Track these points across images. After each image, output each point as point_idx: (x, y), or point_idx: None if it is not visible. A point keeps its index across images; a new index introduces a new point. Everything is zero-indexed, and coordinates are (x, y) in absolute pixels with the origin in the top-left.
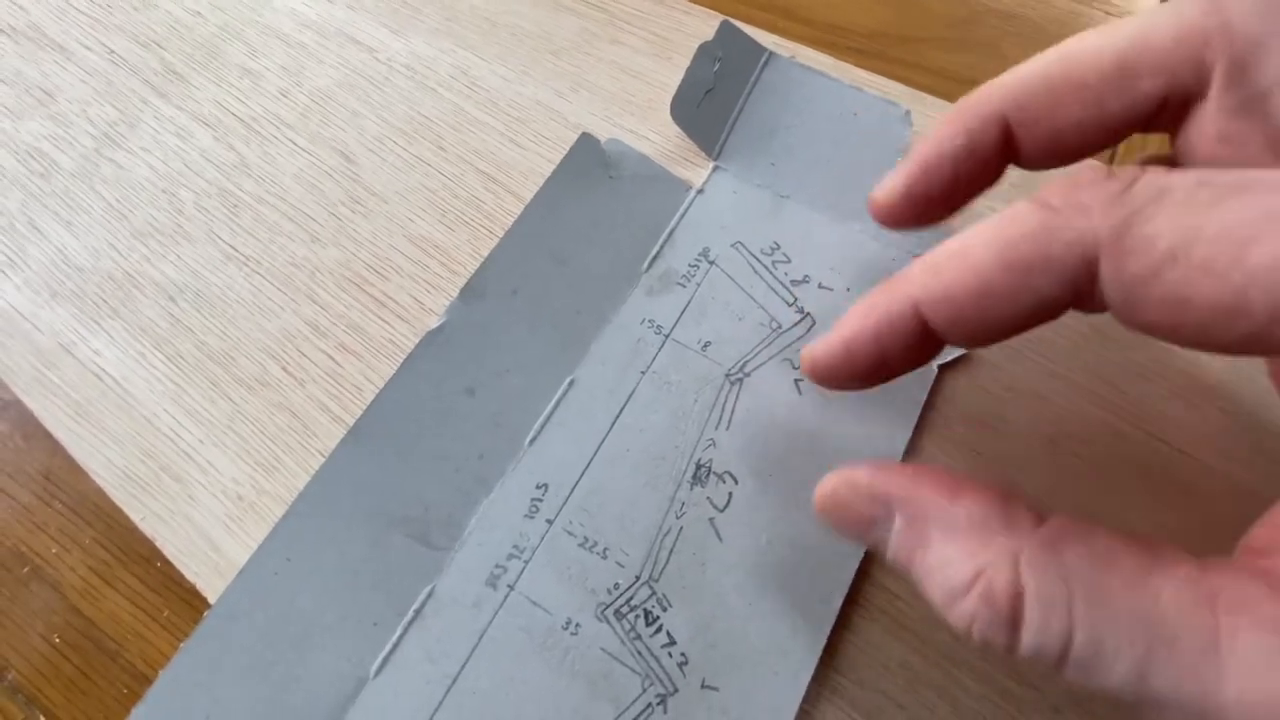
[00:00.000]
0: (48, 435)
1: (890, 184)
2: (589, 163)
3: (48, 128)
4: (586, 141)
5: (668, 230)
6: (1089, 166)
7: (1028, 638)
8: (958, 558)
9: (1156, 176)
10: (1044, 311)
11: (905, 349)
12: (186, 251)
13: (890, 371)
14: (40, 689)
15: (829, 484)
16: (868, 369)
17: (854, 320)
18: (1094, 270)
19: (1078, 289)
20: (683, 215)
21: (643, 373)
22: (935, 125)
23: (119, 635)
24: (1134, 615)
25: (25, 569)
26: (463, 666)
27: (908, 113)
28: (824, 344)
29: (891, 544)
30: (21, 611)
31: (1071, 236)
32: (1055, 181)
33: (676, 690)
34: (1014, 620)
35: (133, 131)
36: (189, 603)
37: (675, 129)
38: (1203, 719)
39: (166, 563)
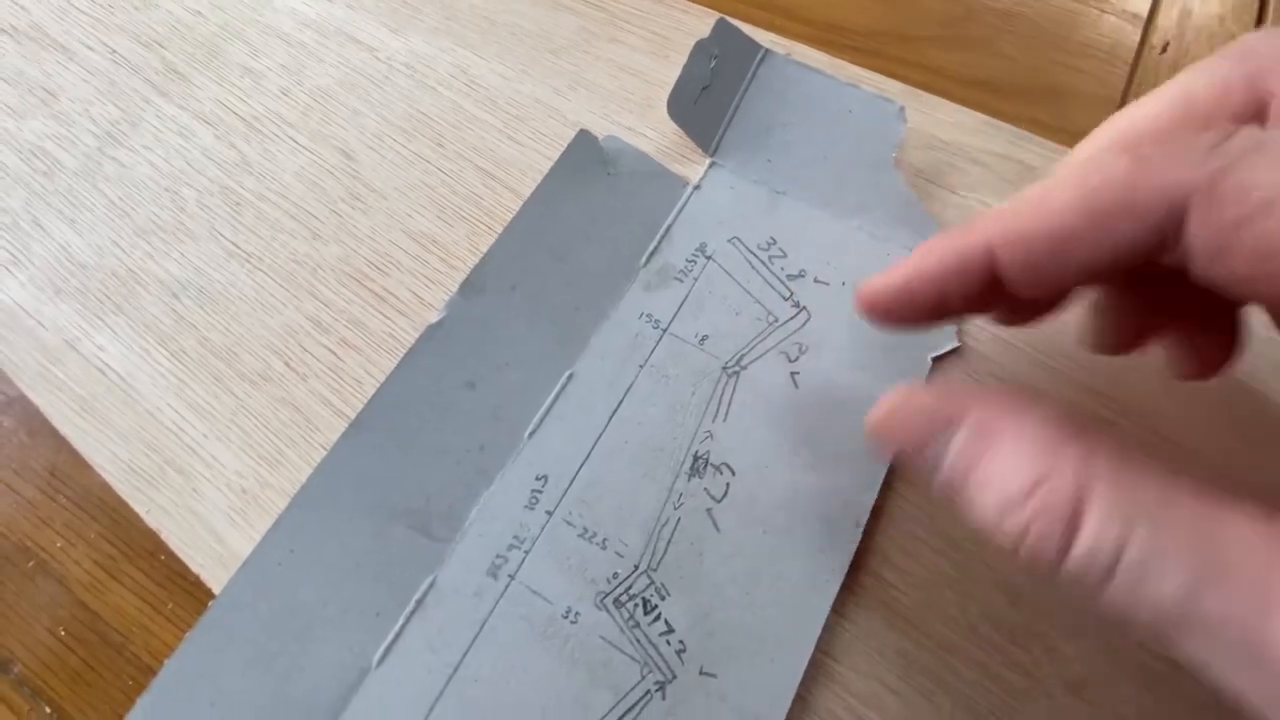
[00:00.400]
0: (53, 431)
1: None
2: (587, 159)
3: (50, 127)
4: (584, 138)
5: (665, 226)
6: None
7: (1081, 545)
8: (1020, 465)
9: (1254, 131)
10: (1120, 260)
11: (966, 292)
12: (189, 248)
13: (944, 312)
14: (46, 681)
15: (886, 406)
16: (924, 306)
17: (920, 257)
18: (1181, 220)
19: (1163, 237)
20: (680, 211)
21: (641, 366)
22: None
23: (124, 628)
24: (1195, 533)
25: (31, 563)
26: (464, 655)
27: (902, 109)
28: (884, 277)
29: (950, 455)
30: (27, 605)
31: (1161, 183)
32: (1144, 136)
33: (675, 677)
34: (1071, 527)
35: (135, 130)
36: (193, 595)
37: (672, 126)
38: (1243, 646)
39: (171, 556)
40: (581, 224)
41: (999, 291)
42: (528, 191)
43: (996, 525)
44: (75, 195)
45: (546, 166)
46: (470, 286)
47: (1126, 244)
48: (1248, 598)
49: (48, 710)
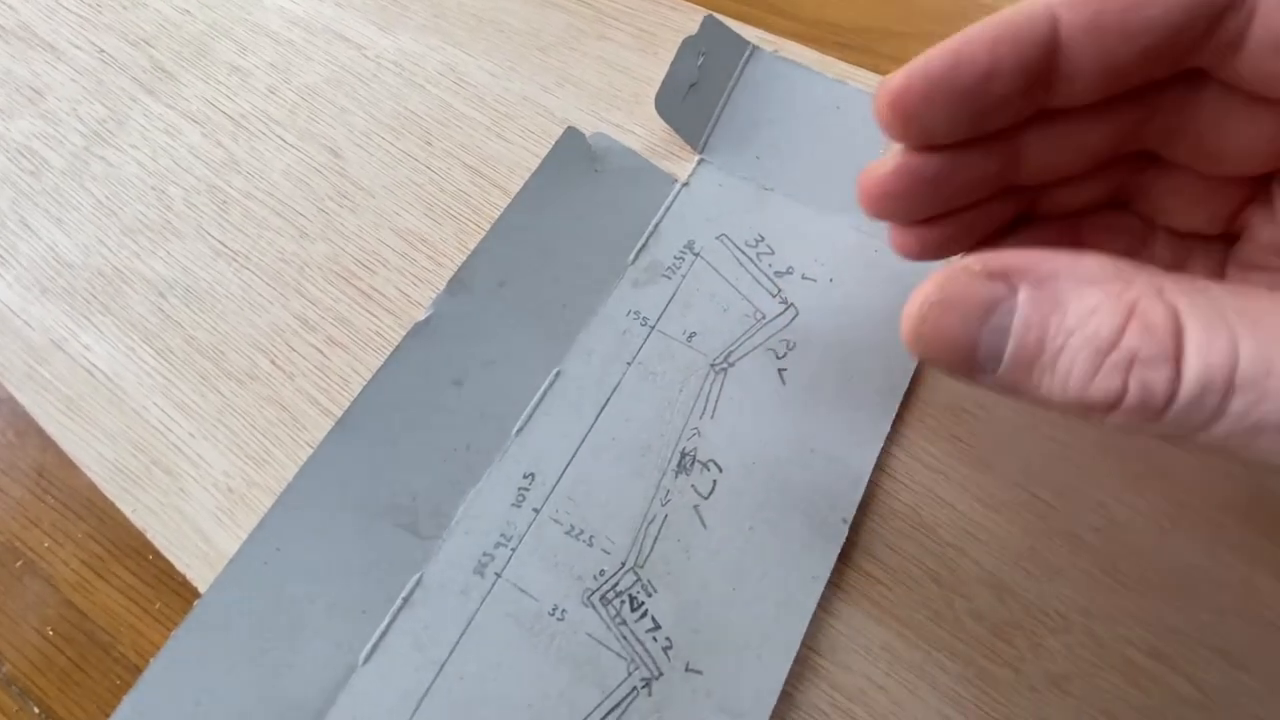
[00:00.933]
0: (39, 431)
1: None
2: (574, 156)
3: (38, 126)
4: (572, 135)
5: (653, 223)
6: None
7: (1192, 365)
8: (1104, 302)
9: None
10: (1189, 29)
11: (1019, 72)
12: (176, 248)
13: (985, 108)
14: (34, 681)
15: (932, 286)
16: (970, 84)
17: (969, 30)
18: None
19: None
20: (668, 208)
21: (628, 364)
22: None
23: (112, 628)
24: None
25: (19, 563)
26: (451, 652)
27: None
28: (915, 64)
29: (1019, 319)
30: (15, 605)
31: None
32: None
33: (661, 674)
34: (1176, 351)
35: (122, 129)
36: (181, 595)
37: (660, 123)
38: None
39: (159, 556)
40: (569, 221)
41: (1056, 75)
42: (516, 189)
43: (1086, 392)
44: (62, 194)
45: (535, 164)
46: (458, 284)
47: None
48: None
49: (36, 710)
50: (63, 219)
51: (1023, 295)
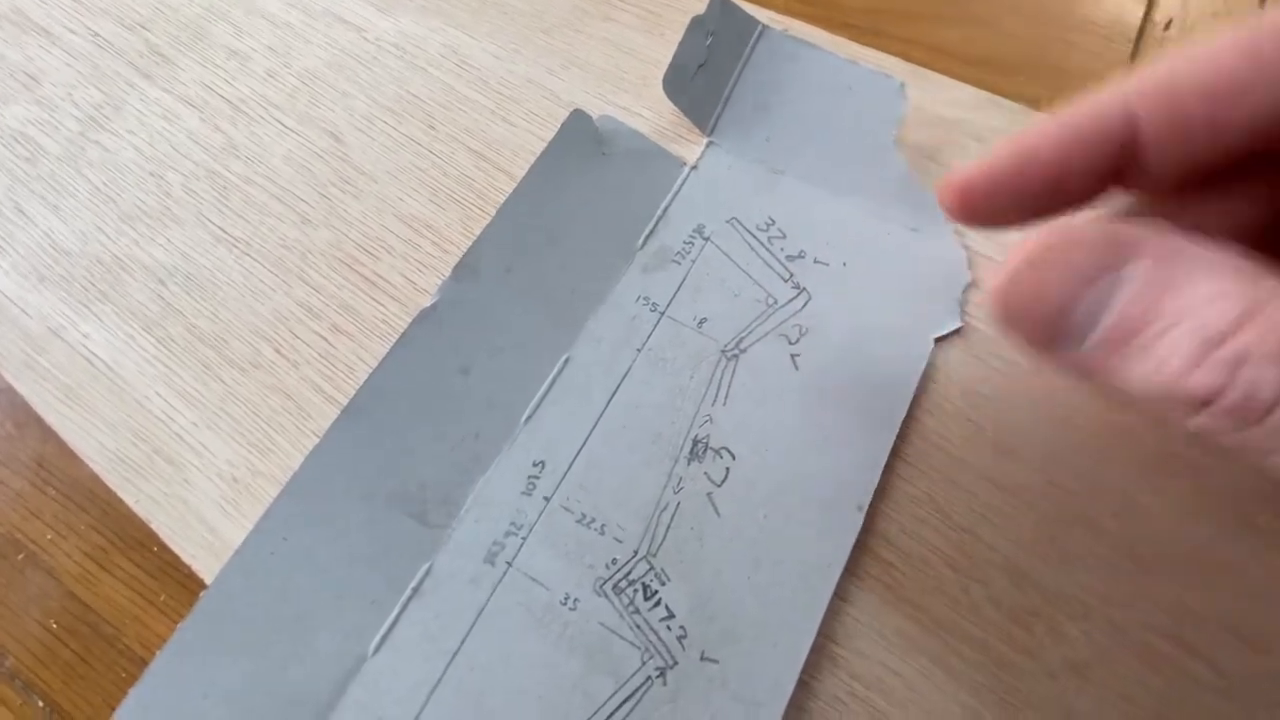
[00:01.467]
0: (39, 422)
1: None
2: (581, 139)
3: (33, 112)
4: (578, 118)
5: (662, 207)
6: None
7: None
8: (1226, 293)
9: None
10: (1097, 164)
11: (1094, 170)
12: (175, 234)
13: (1056, 203)
14: (38, 674)
15: (1036, 244)
16: (1034, 195)
17: (1035, 131)
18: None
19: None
20: (677, 192)
21: (638, 350)
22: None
23: (116, 620)
24: None
25: (21, 555)
26: (462, 642)
27: (902, 85)
28: (985, 161)
29: (1127, 291)
30: (18, 598)
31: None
32: None
33: (676, 663)
34: None
35: (118, 114)
36: (186, 587)
37: (668, 106)
38: None
39: (163, 547)
40: (576, 206)
41: (1129, 176)
42: (521, 173)
43: (1182, 382)
44: (58, 181)
45: (540, 148)
46: (463, 269)
47: None
48: None
49: (41, 704)
50: (59, 206)
51: (1138, 267)
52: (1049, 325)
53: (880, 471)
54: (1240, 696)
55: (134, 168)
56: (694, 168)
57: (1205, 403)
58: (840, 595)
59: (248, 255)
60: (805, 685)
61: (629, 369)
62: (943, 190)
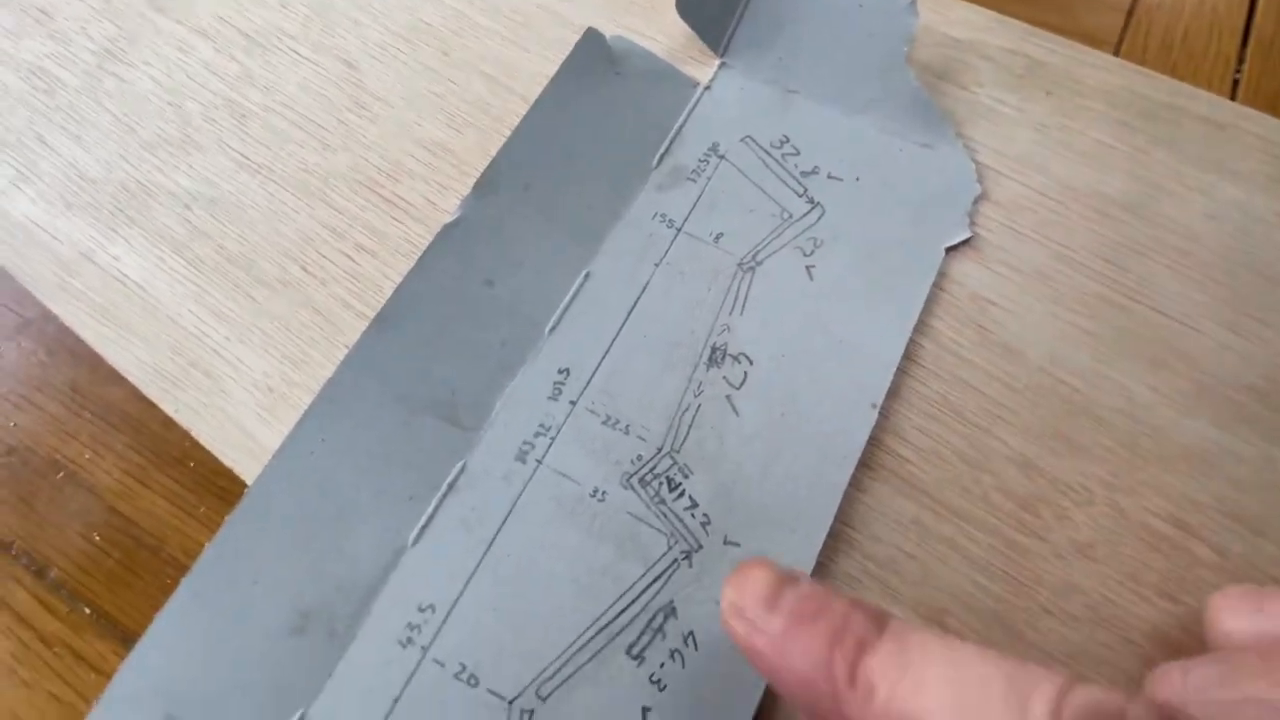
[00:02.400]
0: (70, 350)
1: None
2: (595, 59)
3: (48, 46)
4: (592, 37)
5: (676, 126)
6: None
7: None
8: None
9: None
10: None
11: None
12: (197, 161)
13: None
14: (83, 584)
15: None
16: None
17: None
18: None
19: None
20: (690, 111)
21: (656, 265)
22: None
23: (158, 531)
24: None
25: (60, 474)
26: (497, 533)
27: (913, 2)
28: None
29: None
30: (59, 514)
31: None
32: None
33: (701, 547)
34: None
35: (133, 46)
36: (224, 499)
37: (679, 29)
38: None
39: (200, 463)
40: (591, 124)
41: None
42: (535, 97)
43: None
44: (78, 112)
45: (553, 72)
46: (484, 186)
47: None
48: None
49: (87, 611)
50: (81, 136)
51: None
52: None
53: (893, 372)
54: (1240, 574)
55: (152, 98)
56: (707, 88)
57: None
58: (856, 486)
59: (270, 180)
60: (823, 566)
61: (648, 282)
62: None
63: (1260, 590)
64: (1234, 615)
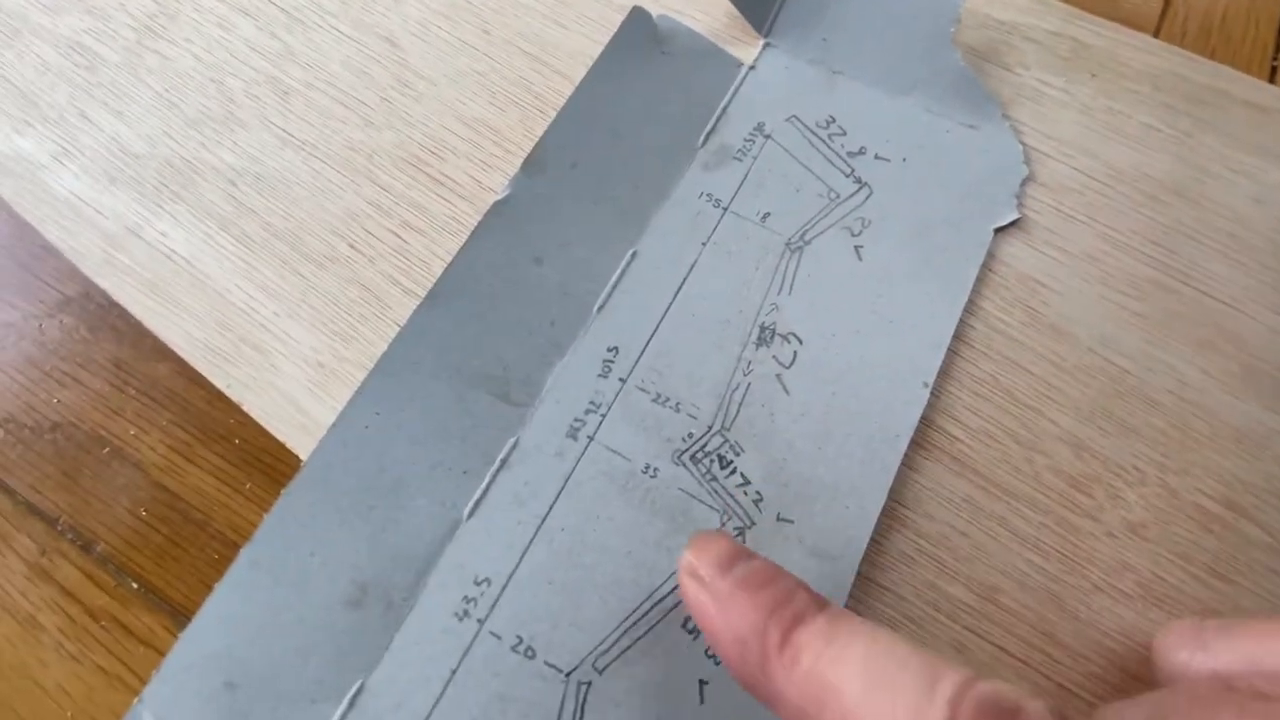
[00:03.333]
0: (113, 327)
1: None
2: (641, 37)
3: (86, 22)
4: (639, 15)
5: (721, 106)
6: None
7: None
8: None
9: None
10: None
11: None
12: (241, 137)
13: None
14: (130, 558)
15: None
16: None
17: None
18: None
19: None
20: (736, 91)
21: (703, 244)
22: None
23: (205, 507)
24: None
25: (105, 450)
26: (550, 507)
27: None
28: None
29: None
30: (105, 489)
31: None
32: None
33: (754, 523)
34: None
35: (173, 23)
36: (270, 476)
37: (722, 8)
38: None
39: (245, 440)
40: (638, 104)
41: None
42: (578, 76)
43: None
44: (119, 88)
45: (595, 51)
46: (532, 164)
47: None
48: None
49: (135, 585)
50: (123, 112)
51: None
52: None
53: (944, 352)
54: None
55: (194, 74)
56: (752, 68)
57: None
58: (908, 465)
59: (315, 157)
60: (875, 543)
61: (695, 262)
62: None
63: (1202, 625)
64: (1178, 651)
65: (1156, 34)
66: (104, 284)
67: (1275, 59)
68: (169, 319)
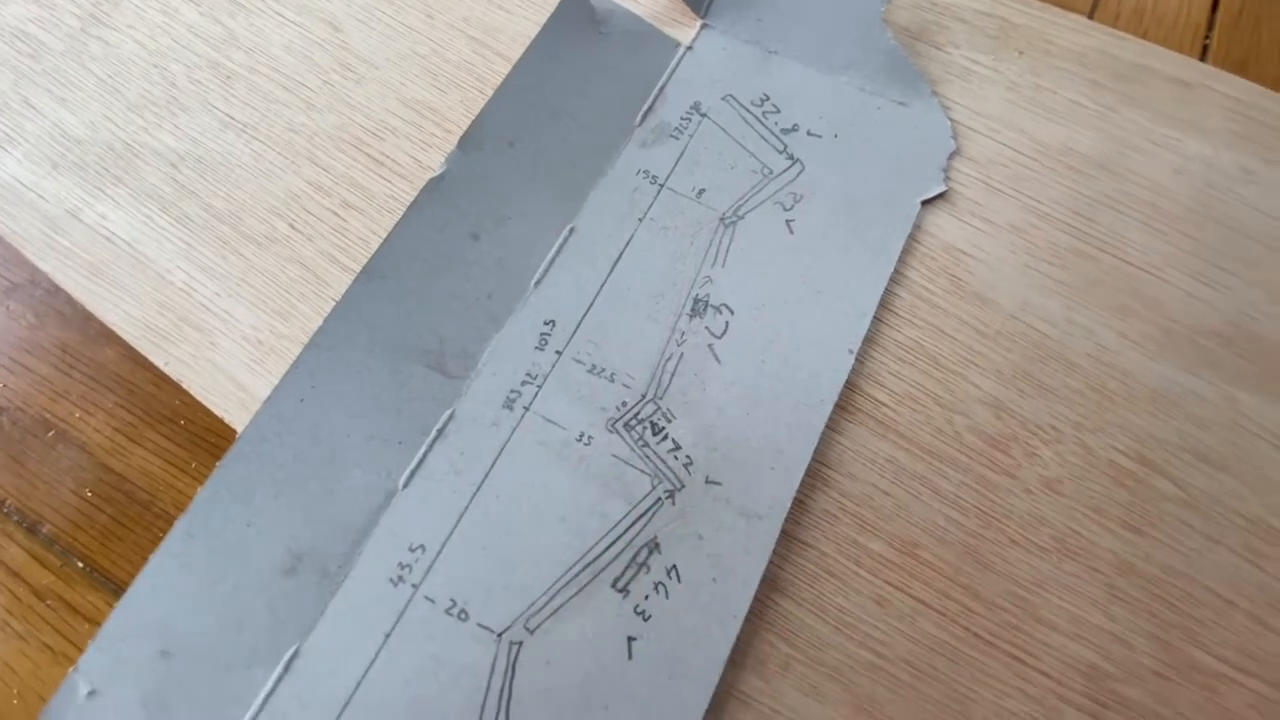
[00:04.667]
0: (59, 313)
1: None
2: (579, 18)
3: (31, 10)
4: None
5: (658, 86)
6: None
7: None
8: None
9: None
10: None
11: None
12: (183, 121)
13: None
14: (75, 538)
15: None
16: None
17: None
18: None
19: None
20: (673, 71)
21: (640, 220)
22: None
23: (150, 487)
24: None
25: (50, 433)
26: (486, 475)
27: None
28: None
29: None
30: (50, 471)
31: None
32: None
33: (683, 486)
34: None
35: (117, 10)
36: (215, 455)
37: None
38: None
39: (190, 421)
40: (576, 82)
41: None
42: (518, 57)
43: None
44: (63, 75)
45: (536, 33)
46: (469, 141)
47: None
48: None
49: (80, 565)
50: (66, 98)
51: None
52: None
53: (870, 319)
54: (1201, 508)
55: (137, 60)
56: (689, 48)
57: None
58: (833, 429)
59: (256, 139)
60: (800, 503)
61: (631, 237)
62: None
63: None
64: None
65: (1090, 16)
66: (45, 267)
67: (1207, 39)
68: (109, 300)
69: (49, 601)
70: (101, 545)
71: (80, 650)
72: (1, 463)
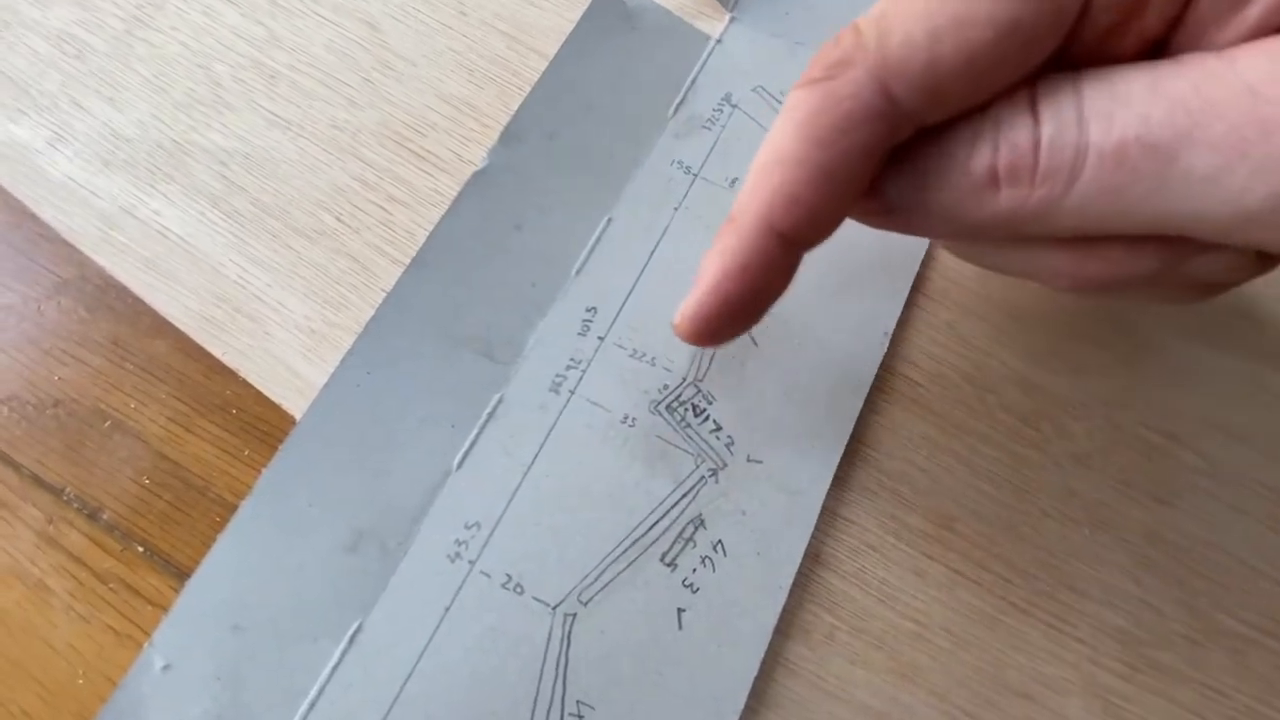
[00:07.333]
0: (109, 307)
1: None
2: (611, 15)
3: (75, 13)
4: None
5: (690, 78)
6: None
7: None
8: (963, 136)
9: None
10: (876, 156)
11: (775, 273)
12: (230, 120)
13: (766, 302)
14: (135, 524)
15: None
16: (745, 307)
17: (716, 265)
18: (892, 96)
19: (891, 119)
20: (703, 64)
21: (675, 209)
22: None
23: (205, 473)
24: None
25: (107, 423)
26: (535, 456)
27: None
28: (695, 301)
29: (895, 188)
30: (108, 460)
31: (849, 89)
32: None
33: (725, 464)
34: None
35: (160, 12)
36: (267, 443)
37: None
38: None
39: (242, 410)
40: (609, 77)
41: (803, 249)
42: (552, 53)
43: (980, 197)
44: (109, 75)
45: (567, 28)
46: (510, 135)
47: (871, 143)
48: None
49: (140, 549)
50: (114, 98)
51: None
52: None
53: (903, 303)
54: (1225, 477)
55: (182, 60)
56: (719, 41)
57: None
58: (870, 408)
59: (301, 136)
60: (839, 480)
61: (668, 226)
62: (678, 331)
63: None
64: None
65: None
66: (102, 262)
67: None
68: (166, 293)
69: (111, 585)
70: (160, 530)
71: (142, 631)
72: (60, 452)
